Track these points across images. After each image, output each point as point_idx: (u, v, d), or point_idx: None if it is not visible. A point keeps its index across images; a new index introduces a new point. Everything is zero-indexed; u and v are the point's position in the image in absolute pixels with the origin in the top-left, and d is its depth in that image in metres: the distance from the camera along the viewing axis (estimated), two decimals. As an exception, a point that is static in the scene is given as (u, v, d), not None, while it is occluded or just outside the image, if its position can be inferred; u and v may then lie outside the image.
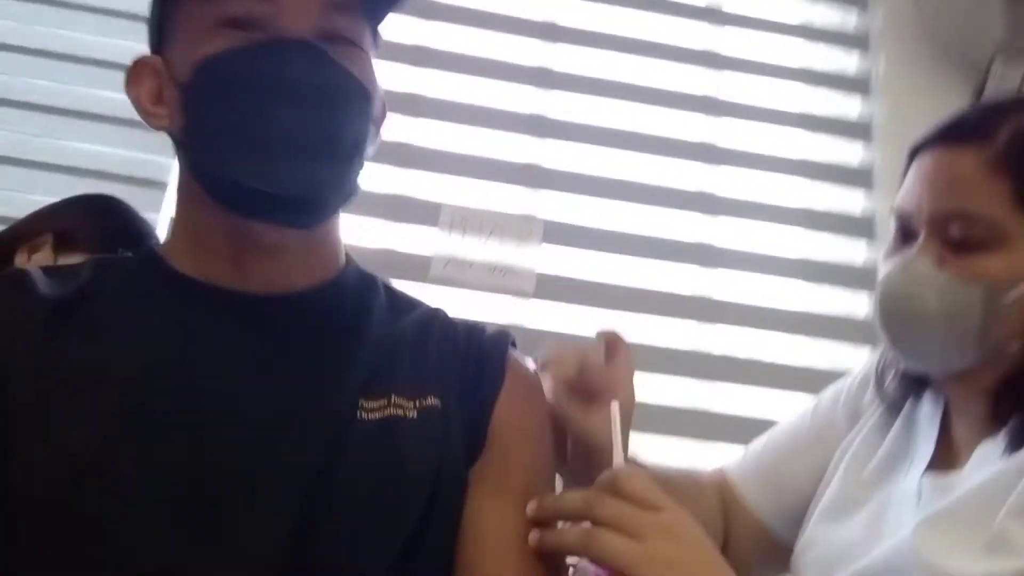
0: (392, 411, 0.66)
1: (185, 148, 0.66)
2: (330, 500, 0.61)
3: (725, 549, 0.95)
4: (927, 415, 0.86)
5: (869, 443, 0.90)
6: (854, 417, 0.95)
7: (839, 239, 1.79)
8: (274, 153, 0.62)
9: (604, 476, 0.65)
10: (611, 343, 0.84)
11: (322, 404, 0.64)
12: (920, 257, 0.78)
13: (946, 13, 1.78)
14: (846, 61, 1.95)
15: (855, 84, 1.92)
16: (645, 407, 1.60)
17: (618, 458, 0.69)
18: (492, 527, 0.66)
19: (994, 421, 0.78)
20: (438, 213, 1.69)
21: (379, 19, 0.72)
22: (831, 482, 0.91)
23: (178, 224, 0.71)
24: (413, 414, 0.67)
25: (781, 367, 1.70)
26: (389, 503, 0.63)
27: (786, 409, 1.67)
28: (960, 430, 0.82)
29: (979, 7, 1.73)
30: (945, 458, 0.81)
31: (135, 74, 0.70)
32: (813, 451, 0.96)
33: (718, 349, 1.71)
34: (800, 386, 1.65)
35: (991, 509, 0.68)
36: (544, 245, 1.70)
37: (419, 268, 1.65)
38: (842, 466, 0.91)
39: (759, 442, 1.02)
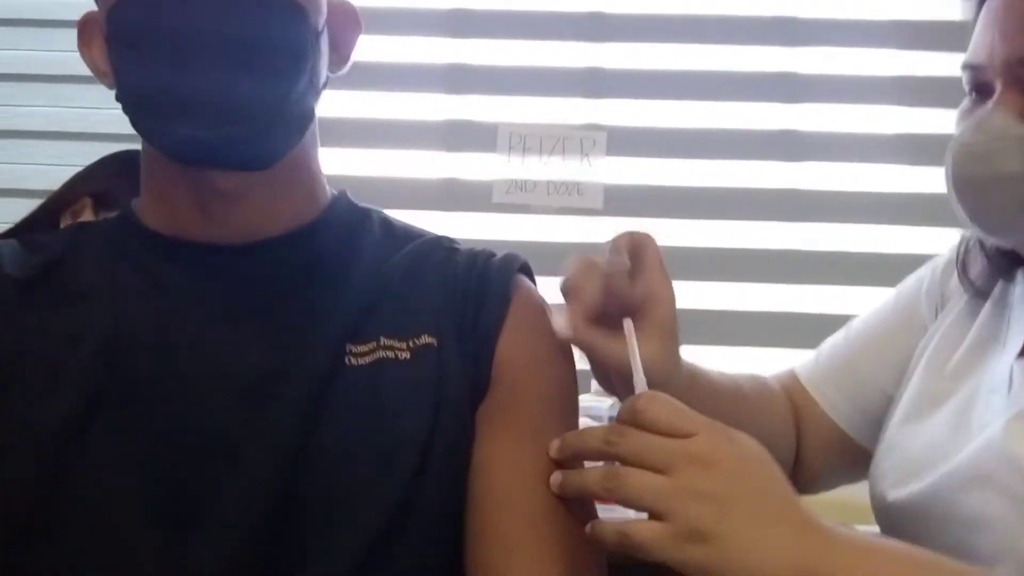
0: (382, 354, 0.63)
1: (121, 104, 0.63)
2: (319, 454, 0.59)
3: (797, 457, 0.89)
4: (1020, 296, 0.77)
5: (955, 332, 0.81)
6: (939, 304, 0.86)
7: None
8: (192, 89, 0.58)
9: (623, 407, 0.58)
10: (637, 250, 0.71)
11: (305, 354, 0.62)
12: (997, 111, 0.69)
13: None
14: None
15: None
16: (731, 315, 1.57)
17: (639, 384, 0.61)
18: (504, 467, 0.62)
19: None
20: (495, 136, 1.63)
21: None
22: (913, 378, 0.83)
23: (144, 180, 0.68)
24: (406, 355, 0.63)
25: (874, 257, 1.57)
26: (382, 452, 0.60)
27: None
28: None
29: None
30: None
31: (85, 34, 0.66)
32: (895, 344, 0.87)
33: (808, 246, 1.59)
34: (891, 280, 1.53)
35: None
36: (609, 157, 1.61)
37: (482, 196, 1.61)
38: (924, 358, 0.83)
39: (834, 338, 0.94)
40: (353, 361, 0.63)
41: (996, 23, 0.70)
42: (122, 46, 0.60)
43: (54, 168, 1.51)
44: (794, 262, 1.59)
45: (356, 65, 0.72)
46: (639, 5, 1.68)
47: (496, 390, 0.64)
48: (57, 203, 1.17)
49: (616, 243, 0.70)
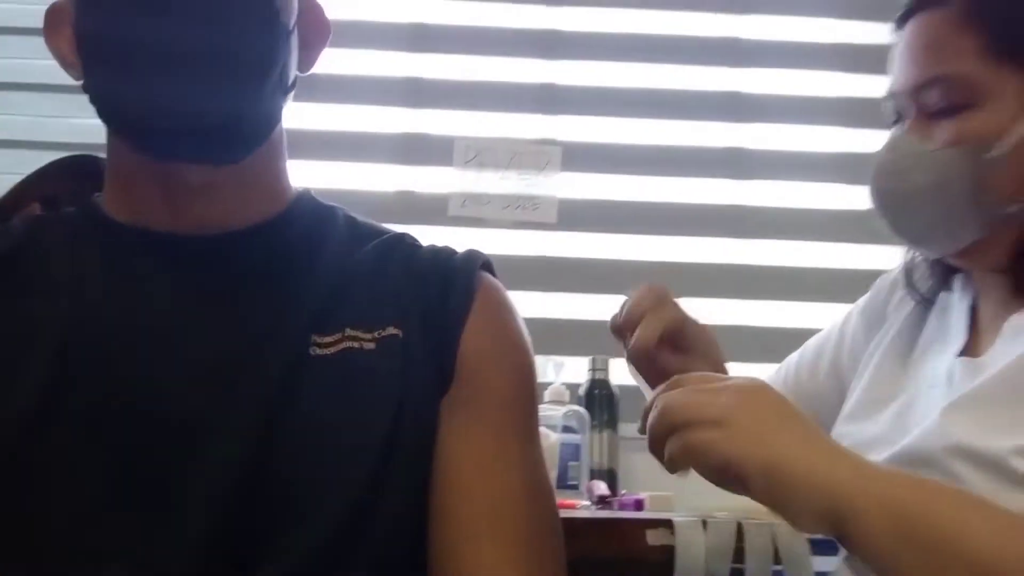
0: (348, 344, 0.64)
1: (89, 95, 0.63)
2: (284, 442, 0.59)
3: None
4: (958, 302, 0.83)
5: (903, 339, 0.87)
6: (877, 324, 0.91)
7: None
8: (163, 84, 0.58)
9: (661, 388, 0.64)
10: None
11: (270, 344, 0.62)
12: (908, 132, 0.76)
13: None
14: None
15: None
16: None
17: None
18: (467, 456, 0.63)
19: (1018, 296, 0.75)
20: (452, 150, 1.65)
21: None
22: (859, 383, 0.88)
23: (110, 172, 0.68)
24: (371, 345, 0.64)
25: (817, 272, 1.63)
26: (347, 440, 0.61)
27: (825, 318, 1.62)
28: (988, 311, 0.79)
29: None
30: (978, 343, 0.78)
31: (52, 22, 0.66)
32: (839, 364, 0.93)
33: (754, 262, 1.64)
34: (832, 295, 1.59)
35: (1021, 385, 0.66)
36: (564, 172, 1.65)
37: (437, 209, 1.63)
38: (872, 363, 0.88)
39: (793, 356, 1.00)
40: (318, 351, 0.63)
41: (904, 53, 0.77)
42: (93, 39, 0.60)
43: (4, 176, 1.49)
44: (741, 276, 1.64)
45: (314, 77, 0.73)
46: (594, 24, 1.72)
47: (460, 381, 0.65)
48: (5, 208, 1.16)
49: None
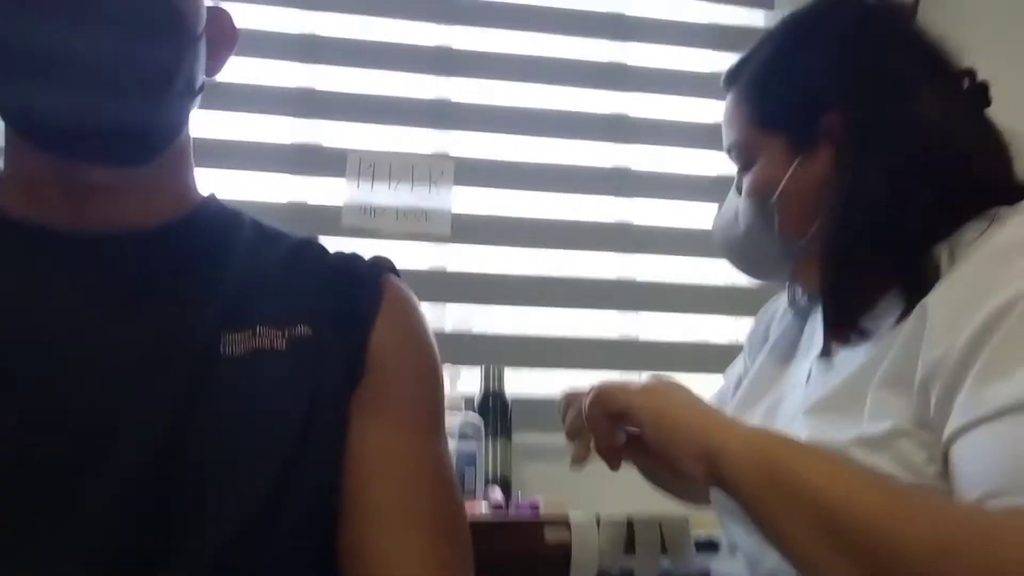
0: (258, 343, 0.64)
1: None
2: (193, 440, 0.59)
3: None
4: (819, 310, 0.92)
5: (782, 343, 0.97)
6: (761, 343, 1.01)
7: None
8: (68, 85, 0.58)
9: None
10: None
11: (179, 342, 0.62)
12: (732, 189, 0.92)
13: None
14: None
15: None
16: (570, 342, 1.66)
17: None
18: (375, 449, 0.65)
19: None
20: (345, 162, 1.65)
21: None
22: (742, 385, 0.98)
23: (8, 169, 0.67)
24: (282, 344, 0.64)
25: (695, 288, 1.72)
26: (257, 437, 0.61)
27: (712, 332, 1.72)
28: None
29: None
30: (835, 345, 0.87)
31: None
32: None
33: (638, 277, 1.72)
34: (710, 308, 1.69)
35: (866, 383, 0.73)
36: (457, 187, 1.68)
37: (330, 220, 1.63)
38: (755, 365, 0.97)
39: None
40: (229, 351, 0.63)
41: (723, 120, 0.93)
42: None
43: None
44: (625, 290, 1.71)
45: (208, 84, 0.73)
46: (487, 44, 1.77)
47: (369, 378, 0.67)
48: None
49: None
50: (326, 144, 1.67)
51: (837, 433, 0.72)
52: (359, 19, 1.73)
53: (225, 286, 0.66)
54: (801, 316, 0.95)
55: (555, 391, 1.56)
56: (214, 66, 0.72)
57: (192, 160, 0.72)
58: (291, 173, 1.66)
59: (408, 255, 1.65)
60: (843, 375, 0.77)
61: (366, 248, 1.55)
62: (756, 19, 1.90)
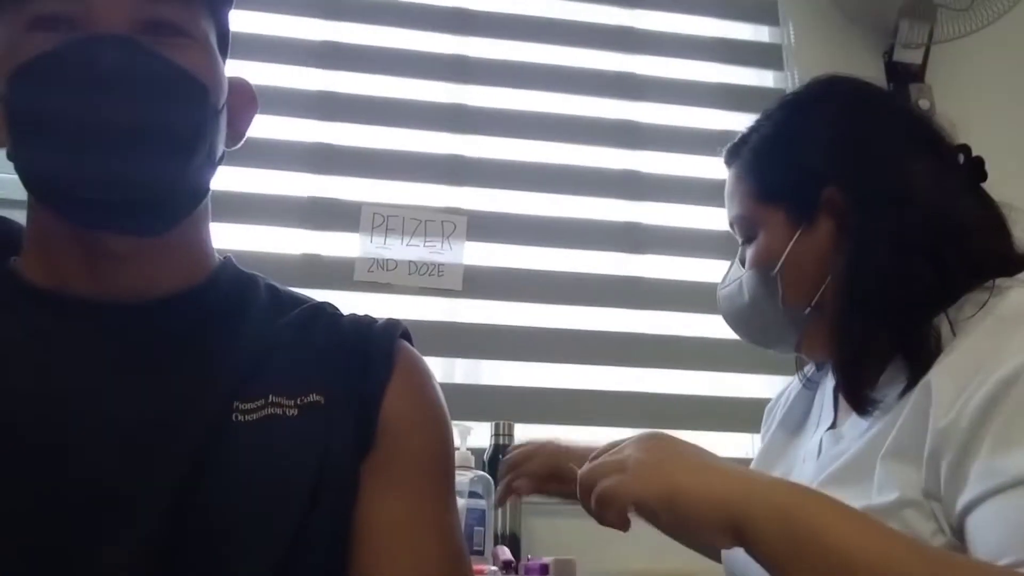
0: (270, 411, 0.64)
1: (14, 163, 0.63)
2: (202, 507, 0.59)
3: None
4: (828, 383, 0.94)
5: (791, 416, 0.97)
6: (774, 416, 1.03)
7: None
8: (93, 157, 0.59)
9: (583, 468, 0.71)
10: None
11: (191, 410, 0.62)
12: (735, 261, 0.94)
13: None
14: (756, 35, 1.96)
15: (767, 58, 1.93)
16: (581, 396, 1.66)
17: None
18: (386, 519, 0.65)
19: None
20: (359, 215, 1.67)
21: (215, 4, 0.69)
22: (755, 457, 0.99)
23: (30, 237, 0.68)
24: (294, 412, 0.65)
25: (710, 342, 1.72)
26: (267, 504, 0.61)
27: (724, 387, 1.71)
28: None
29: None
30: (841, 417, 0.88)
31: None
32: None
33: (647, 331, 1.72)
34: (725, 364, 1.69)
35: (873, 454, 0.73)
36: (469, 241, 1.69)
37: (343, 274, 1.64)
38: (767, 438, 0.99)
39: None
40: (240, 418, 0.64)
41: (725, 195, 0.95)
42: (23, 112, 0.61)
43: None
44: (636, 345, 1.71)
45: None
46: (501, 101, 1.80)
47: (380, 446, 0.67)
48: None
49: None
50: (340, 198, 1.70)
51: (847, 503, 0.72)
52: (373, 77, 1.77)
53: (239, 355, 0.67)
54: (810, 387, 0.97)
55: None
56: (235, 135, 0.73)
57: (209, 224, 0.73)
58: (306, 227, 1.68)
59: (420, 308, 1.66)
60: (852, 447, 0.78)
61: (379, 302, 1.61)
62: (766, 80, 1.93)
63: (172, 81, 0.63)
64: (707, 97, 1.88)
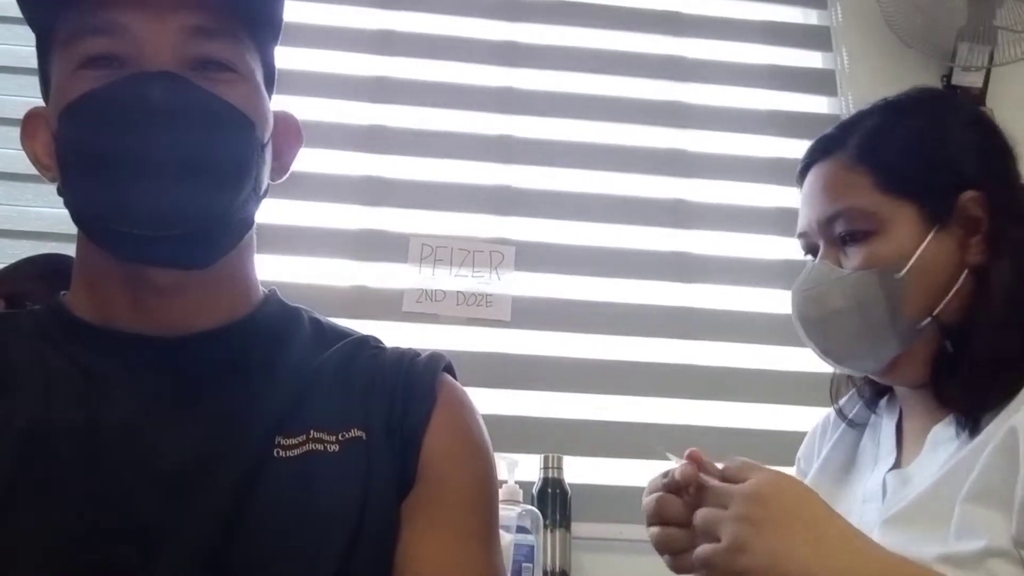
0: (312, 446, 0.64)
1: (64, 198, 0.65)
2: (244, 545, 0.59)
3: None
4: (887, 420, 0.89)
5: (837, 459, 0.92)
6: (811, 461, 0.97)
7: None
8: (140, 192, 0.60)
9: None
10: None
11: (232, 445, 0.62)
12: (821, 262, 0.84)
13: (904, 2, 1.76)
14: (809, 60, 1.93)
15: (820, 84, 1.90)
16: (632, 429, 1.63)
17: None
18: (427, 558, 0.64)
19: (940, 406, 0.80)
20: (407, 247, 1.68)
21: (261, 41, 0.70)
22: None
23: (78, 272, 0.69)
24: (335, 447, 0.65)
25: (757, 373, 1.69)
26: (309, 540, 0.61)
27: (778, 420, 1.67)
28: (913, 426, 0.85)
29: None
30: (906, 456, 0.84)
31: (29, 127, 0.68)
32: None
33: (699, 362, 1.69)
34: (774, 396, 1.65)
35: (950, 496, 0.70)
36: (517, 272, 1.69)
37: (392, 305, 1.65)
38: (808, 482, 0.92)
39: None
40: (282, 453, 0.64)
41: (806, 197, 0.87)
42: (72, 147, 0.62)
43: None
44: (689, 377, 1.68)
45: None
46: (549, 131, 1.80)
47: (421, 483, 0.66)
48: None
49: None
50: (389, 230, 1.71)
51: (920, 547, 0.68)
52: (421, 110, 1.78)
53: (281, 390, 0.67)
54: (856, 429, 0.92)
55: (617, 480, 1.53)
56: (280, 169, 0.74)
57: (254, 257, 0.74)
58: (354, 258, 1.69)
59: (468, 339, 1.65)
60: (922, 486, 0.74)
61: (427, 333, 1.60)
62: (819, 106, 1.90)
63: (218, 116, 0.63)
64: (759, 124, 1.85)
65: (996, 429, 0.68)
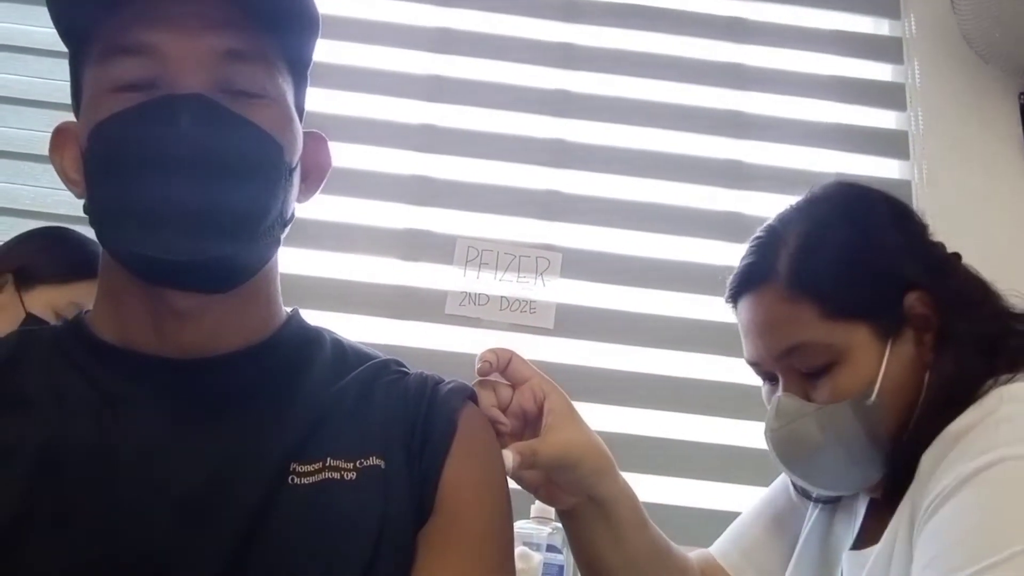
0: (328, 474, 0.64)
1: (89, 217, 0.64)
2: (257, 571, 0.58)
3: None
4: (845, 505, 0.90)
5: (815, 530, 0.92)
6: (787, 514, 0.98)
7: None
8: (166, 217, 0.60)
9: None
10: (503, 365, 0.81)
11: (247, 471, 0.62)
12: (786, 397, 0.81)
13: (983, 16, 1.67)
14: (878, 72, 1.86)
15: (888, 96, 1.83)
16: (676, 444, 1.59)
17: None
18: None
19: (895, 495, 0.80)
20: (453, 248, 1.67)
21: (294, 64, 0.69)
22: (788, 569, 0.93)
23: (101, 290, 0.69)
24: (352, 475, 0.64)
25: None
26: (322, 567, 0.60)
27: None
28: (877, 508, 0.85)
29: (1017, 6, 1.62)
30: (871, 537, 0.82)
31: (57, 141, 0.68)
32: (785, 526, 0.97)
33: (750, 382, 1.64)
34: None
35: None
36: (563, 279, 1.66)
37: (435, 306, 1.63)
38: (796, 550, 0.93)
39: (741, 517, 1.03)
40: (297, 480, 0.63)
41: (748, 329, 0.84)
42: (100, 166, 0.62)
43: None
44: (733, 395, 1.62)
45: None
46: (600, 137, 1.77)
47: (439, 514, 0.65)
48: None
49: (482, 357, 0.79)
50: (436, 231, 1.69)
51: None
52: (474, 110, 1.76)
53: (298, 415, 0.66)
54: (827, 510, 0.91)
55: (653, 498, 1.49)
56: (307, 191, 0.73)
57: (278, 281, 0.73)
58: (400, 257, 1.68)
59: (509, 344, 1.60)
60: (871, 570, 0.75)
61: (469, 336, 1.59)
62: (887, 121, 1.83)
63: (247, 140, 0.63)
64: (822, 137, 1.79)
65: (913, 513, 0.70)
